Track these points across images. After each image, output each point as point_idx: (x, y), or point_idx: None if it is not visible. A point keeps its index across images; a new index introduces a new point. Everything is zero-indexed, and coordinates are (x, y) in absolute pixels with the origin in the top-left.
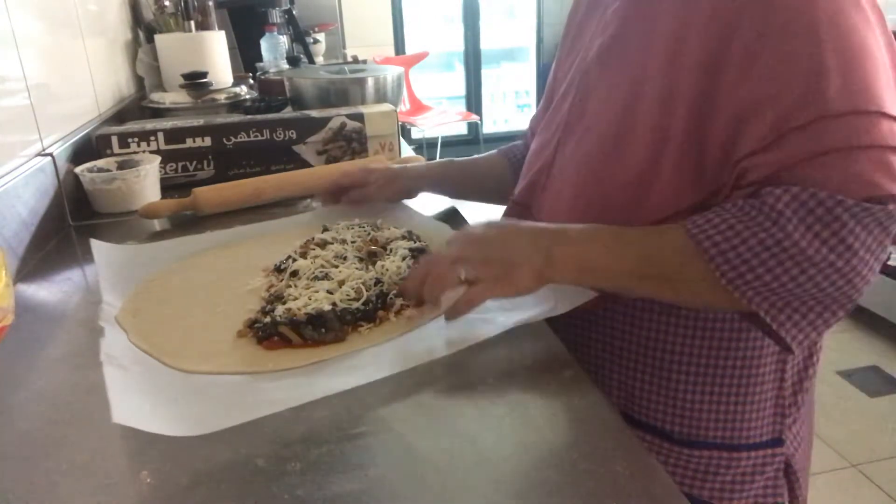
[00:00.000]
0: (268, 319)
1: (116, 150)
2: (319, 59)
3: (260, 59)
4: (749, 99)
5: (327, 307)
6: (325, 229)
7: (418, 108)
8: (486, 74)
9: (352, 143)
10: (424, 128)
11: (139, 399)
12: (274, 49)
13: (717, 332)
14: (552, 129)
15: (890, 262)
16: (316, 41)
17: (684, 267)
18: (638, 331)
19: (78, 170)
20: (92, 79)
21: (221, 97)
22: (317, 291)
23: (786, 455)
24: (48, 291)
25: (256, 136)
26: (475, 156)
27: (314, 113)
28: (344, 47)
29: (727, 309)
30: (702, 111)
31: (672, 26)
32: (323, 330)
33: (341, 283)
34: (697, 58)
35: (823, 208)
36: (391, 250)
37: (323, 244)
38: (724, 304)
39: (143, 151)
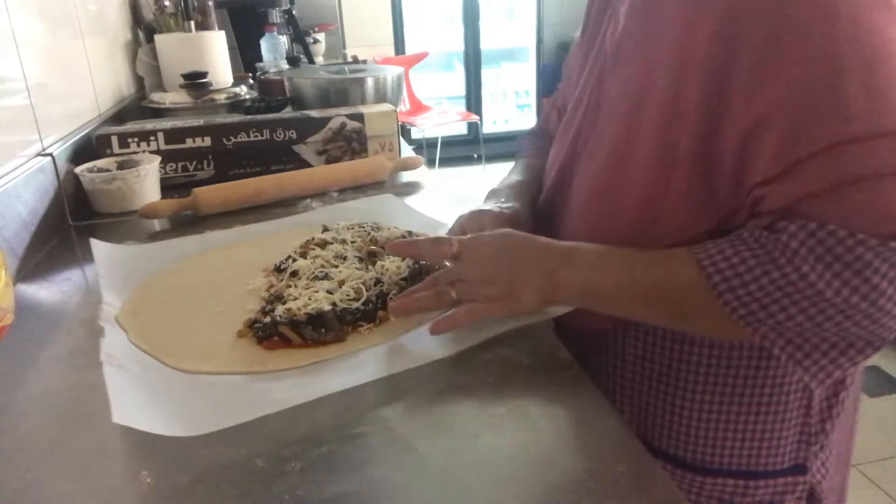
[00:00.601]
0: (268, 319)
1: (116, 150)
2: (319, 59)
3: (260, 59)
4: (756, 116)
5: (327, 307)
6: (325, 229)
7: (418, 108)
8: (486, 74)
9: (352, 143)
10: (424, 128)
11: (139, 399)
12: (274, 49)
13: (735, 361)
14: (567, 137)
15: None
16: (316, 41)
17: (694, 300)
18: (651, 355)
19: (78, 170)
20: (92, 79)
21: (221, 97)
22: (317, 291)
23: (810, 483)
24: (48, 291)
25: (256, 136)
26: (522, 168)
27: (314, 113)
28: (344, 47)
29: (742, 341)
30: (709, 129)
31: (677, 32)
32: (323, 330)
33: (341, 283)
34: (703, 69)
35: (843, 247)
36: None
37: (323, 244)
38: (738, 338)
39: (143, 151)
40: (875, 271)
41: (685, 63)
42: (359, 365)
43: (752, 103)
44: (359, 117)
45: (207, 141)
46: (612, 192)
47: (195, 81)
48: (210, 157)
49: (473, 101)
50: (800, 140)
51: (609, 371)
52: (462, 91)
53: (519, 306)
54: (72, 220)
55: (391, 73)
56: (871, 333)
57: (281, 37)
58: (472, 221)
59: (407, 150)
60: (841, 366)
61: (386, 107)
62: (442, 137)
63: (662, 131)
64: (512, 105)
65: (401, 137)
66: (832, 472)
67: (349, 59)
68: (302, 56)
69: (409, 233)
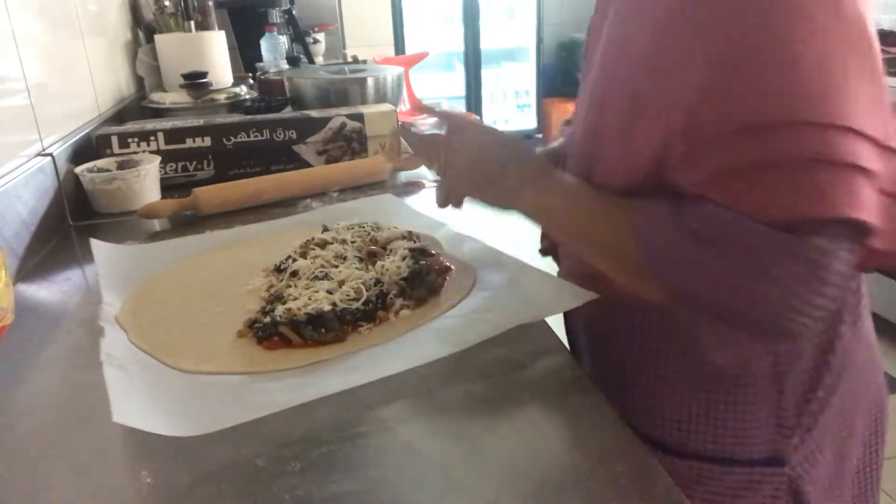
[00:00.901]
0: (268, 319)
1: (116, 150)
2: (319, 59)
3: (260, 59)
4: (667, 112)
5: (327, 307)
6: (325, 229)
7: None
8: (486, 74)
9: (352, 143)
10: (424, 128)
11: (139, 399)
12: (274, 49)
13: (702, 344)
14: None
15: None
16: (316, 41)
17: (621, 243)
18: (631, 336)
19: (78, 170)
20: (92, 79)
21: (221, 97)
22: (317, 291)
23: (790, 476)
24: (48, 291)
25: (256, 136)
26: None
27: (314, 113)
28: (344, 47)
29: (668, 305)
30: (629, 126)
31: (624, 29)
32: (323, 330)
33: (341, 283)
34: (634, 71)
35: (740, 232)
36: (391, 250)
37: (323, 244)
38: (661, 297)
39: (143, 151)
40: (768, 260)
41: (622, 61)
42: (359, 365)
43: (664, 101)
44: (359, 117)
45: (207, 141)
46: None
47: (195, 81)
48: (210, 157)
49: (473, 101)
50: (698, 130)
51: (593, 350)
52: (462, 91)
53: (482, 196)
54: (72, 220)
55: (391, 73)
56: (773, 324)
57: (281, 37)
58: None
59: (407, 150)
60: (742, 343)
61: (386, 107)
62: None
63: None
64: (512, 105)
65: (401, 137)
66: (824, 469)
67: (349, 59)
68: (302, 56)
69: (409, 233)
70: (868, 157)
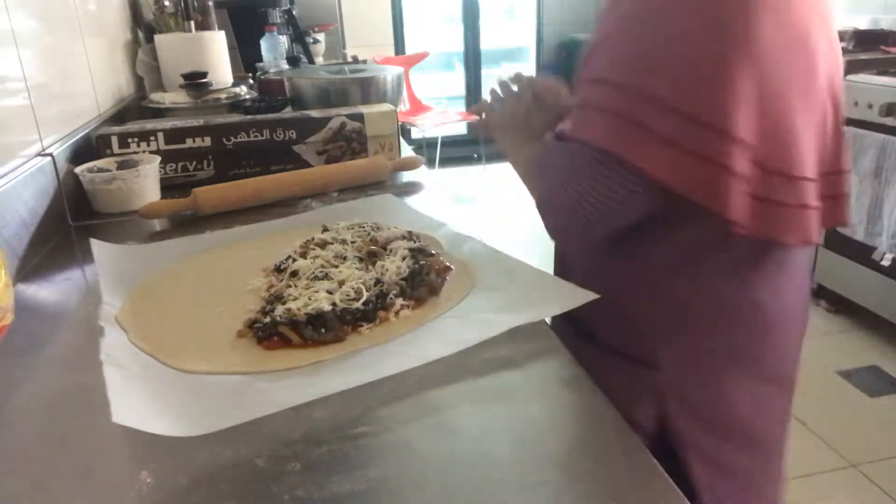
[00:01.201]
0: (268, 319)
1: (116, 150)
2: (319, 59)
3: (260, 59)
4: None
5: (327, 307)
6: (325, 229)
7: (418, 108)
8: (486, 74)
9: (352, 143)
10: (424, 128)
11: (139, 399)
12: (274, 49)
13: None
14: None
15: (884, 263)
16: (316, 41)
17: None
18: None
19: (78, 170)
20: (92, 79)
21: (221, 97)
22: (317, 291)
23: (659, 388)
24: (48, 291)
25: (256, 136)
26: None
27: (314, 113)
28: (344, 47)
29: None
30: None
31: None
32: (323, 330)
33: (341, 283)
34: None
35: (552, 147)
36: (391, 250)
37: (323, 244)
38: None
39: (143, 151)
40: (561, 160)
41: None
42: (359, 365)
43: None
44: (359, 117)
45: (207, 141)
46: None
47: (195, 81)
48: (210, 157)
49: (473, 101)
50: (579, 75)
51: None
52: (462, 91)
53: (499, 139)
54: (72, 220)
55: (391, 73)
56: (568, 205)
57: (281, 37)
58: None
59: (407, 150)
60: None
61: (386, 107)
62: (442, 137)
63: None
64: None
65: (401, 137)
66: (703, 413)
67: (349, 59)
68: (302, 56)
69: (409, 233)
70: (658, 119)
